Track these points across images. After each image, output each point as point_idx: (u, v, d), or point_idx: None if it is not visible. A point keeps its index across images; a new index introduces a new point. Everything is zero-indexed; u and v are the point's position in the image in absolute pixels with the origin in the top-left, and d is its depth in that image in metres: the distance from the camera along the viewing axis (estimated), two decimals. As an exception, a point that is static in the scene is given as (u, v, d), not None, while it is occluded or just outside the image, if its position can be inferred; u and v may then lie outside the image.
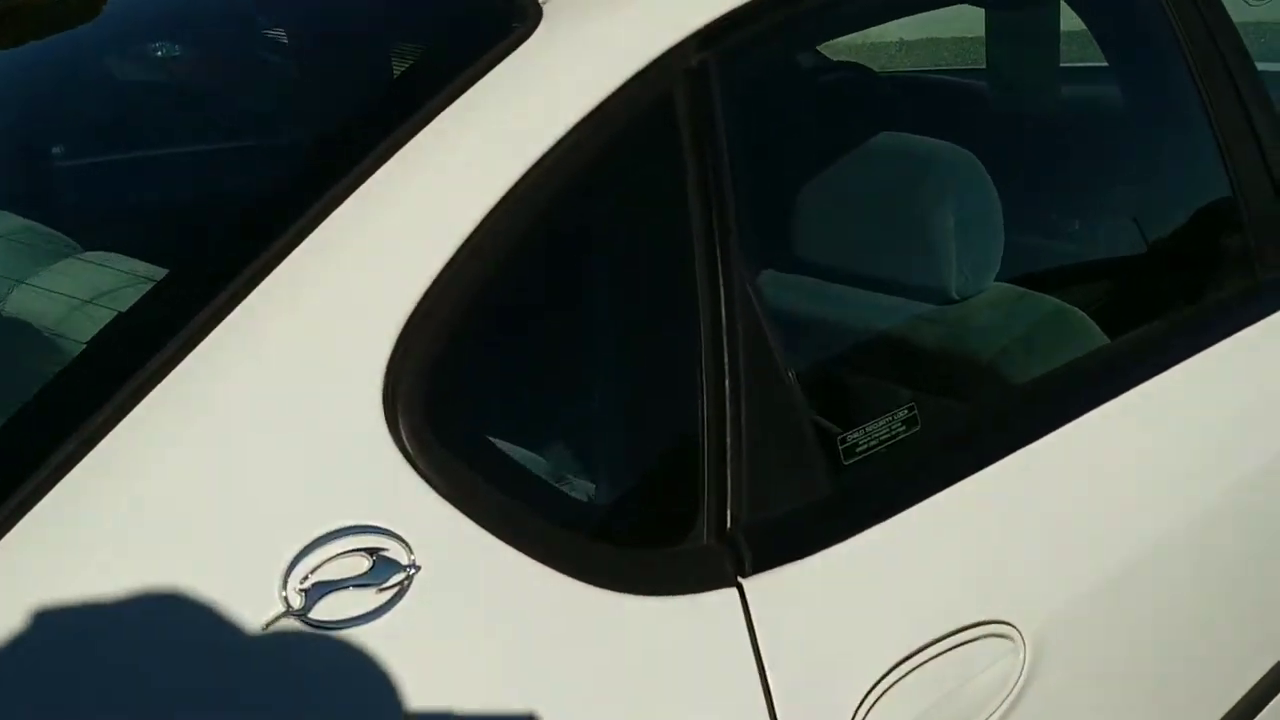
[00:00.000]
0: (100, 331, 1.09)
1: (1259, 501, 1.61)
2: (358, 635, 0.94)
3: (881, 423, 1.31)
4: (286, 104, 1.43)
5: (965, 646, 1.25)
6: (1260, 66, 3.12)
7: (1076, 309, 1.91)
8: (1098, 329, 1.87)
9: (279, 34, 1.46)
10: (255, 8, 1.52)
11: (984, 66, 2.79)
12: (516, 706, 0.99)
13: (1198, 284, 1.82)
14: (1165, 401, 1.58)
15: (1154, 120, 1.91)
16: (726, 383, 1.17)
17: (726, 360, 1.18)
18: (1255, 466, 1.61)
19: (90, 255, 1.44)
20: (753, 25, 1.30)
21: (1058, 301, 1.94)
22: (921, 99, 2.70)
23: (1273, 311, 1.73)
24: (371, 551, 0.95)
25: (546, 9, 1.25)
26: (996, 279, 1.95)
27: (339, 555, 0.94)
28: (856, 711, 1.16)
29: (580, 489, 1.18)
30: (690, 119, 1.22)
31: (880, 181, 1.93)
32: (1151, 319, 1.81)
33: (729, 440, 1.16)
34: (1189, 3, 1.73)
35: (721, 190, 1.21)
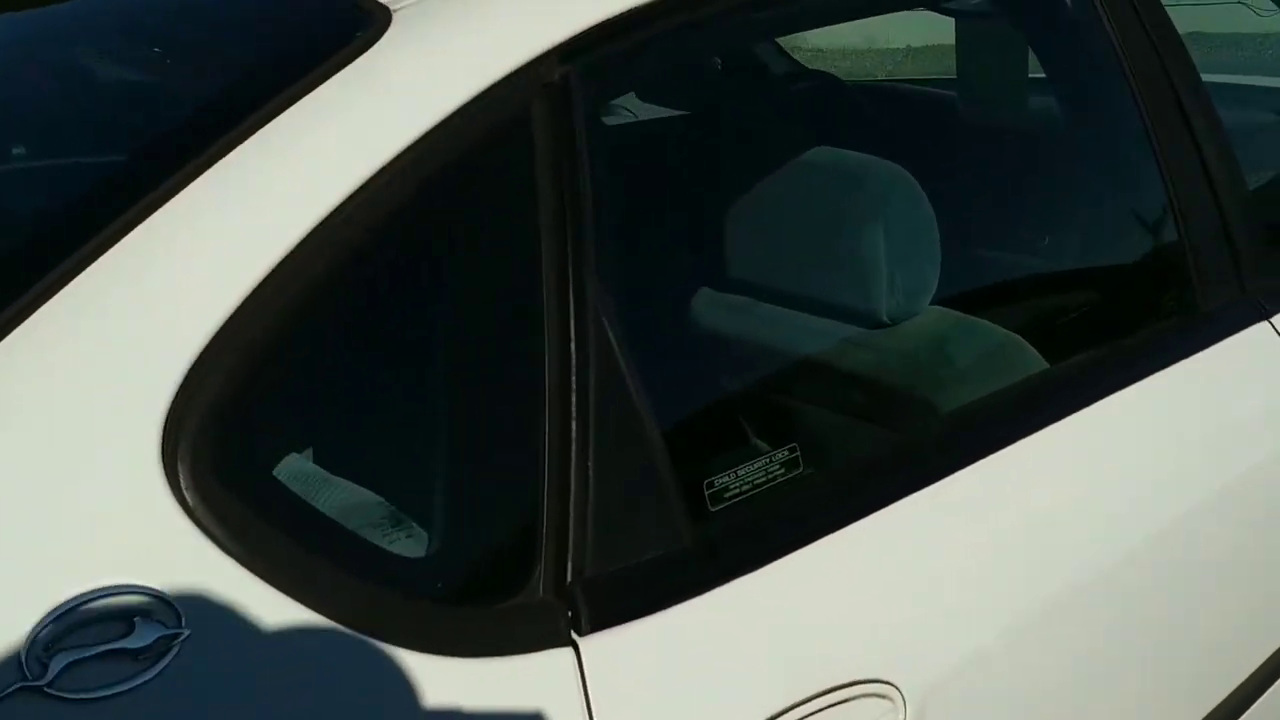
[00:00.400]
0: None
1: (1184, 551, 1.50)
2: (108, 709, 0.85)
3: (757, 465, 1.22)
4: (104, 115, 1.34)
5: (838, 707, 1.16)
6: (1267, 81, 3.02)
7: (1016, 336, 1.81)
8: (1036, 356, 1.77)
9: (107, 43, 1.37)
10: (86, 13, 1.43)
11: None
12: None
13: (1138, 314, 1.72)
14: (1091, 438, 1.49)
15: (1098, 145, 1.81)
16: (574, 422, 1.08)
17: (575, 397, 1.09)
18: (1180, 511, 1.51)
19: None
20: (625, 38, 1.21)
21: (997, 329, 1.84)
22: (868, 110, 2.60)
23: (1213, 343, 1.63)
24: (131, 613, 0.86)
25: (397, 16, 1.17)
26: (934, 301, 1.86)
27: (92, 619, 0.85)
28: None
29: (398, 539, 1.09)
30: (548, 137, 1.13)
31: (806, 198, 1.83)
32: (1090, 348, 1.71)
33: (573, 484, 1.07)
34: (1136, 31, 1.62)
35: (579, 213, 1.12)
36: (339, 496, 1.13)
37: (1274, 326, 1.69)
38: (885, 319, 1.80)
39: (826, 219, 1.80)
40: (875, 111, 2.69)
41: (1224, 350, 1.64)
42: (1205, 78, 1.75)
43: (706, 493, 1.17)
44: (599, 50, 1.19)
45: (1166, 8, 1.73)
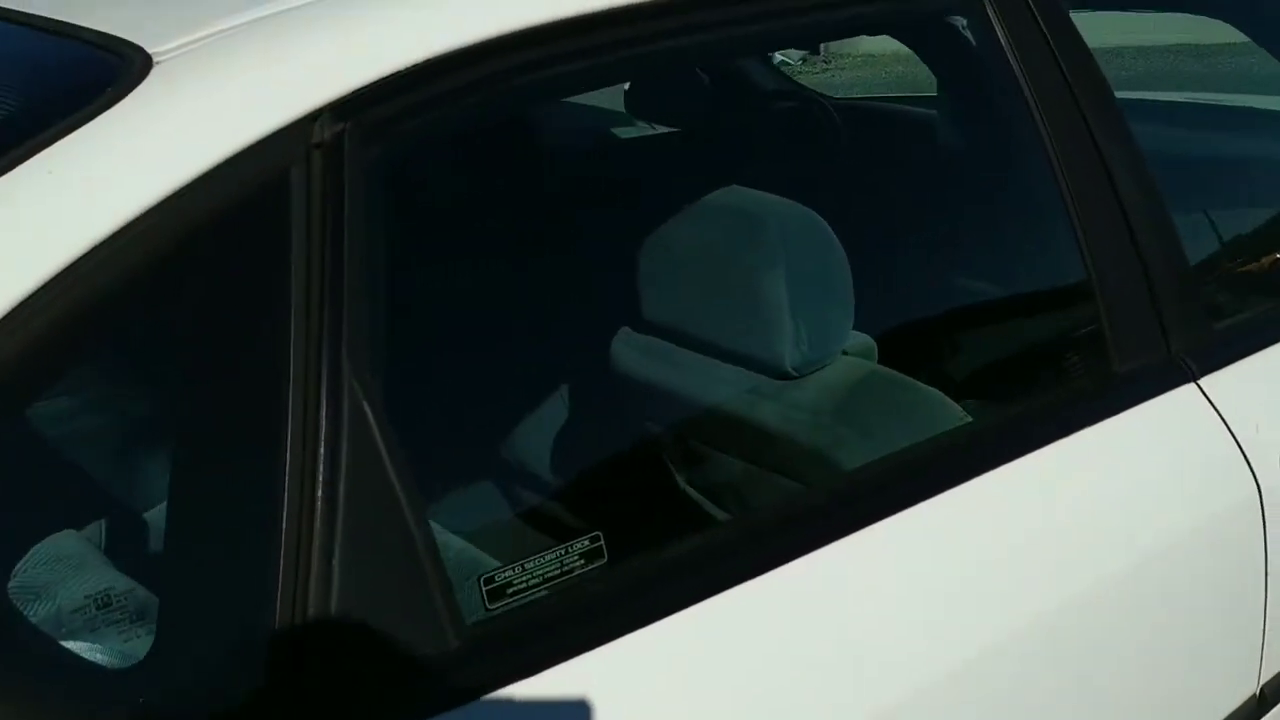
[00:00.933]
0: None
1: (1084, 634, 1.38)
2: None
3: (550, 558, 1.11)
4: None
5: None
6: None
7: (933, 391, 1.70)
8: (953, 414, 1.65)
9: None
10: None
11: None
12: None
13: (1045, 373, 1.60)
14: (986, 508, 1.37)
15: (1002, 186, 1.68)
16: (318, 513, 0.99)
17: (321, 486, 0.99)
18: (1085, 588, 1.38)
19: None
20: (417, 93, 1.11)
21: (912, 384, 1.72)
22: (831, 133, 2.48)
23: (1124, 408, 1.50)
24: None
25: (159, 67, 1.08)
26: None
27: None
28: None
29: (135, 636, 1.00)
30: (310, 204, 1.04)
31: (703, 240, 1.73)
32: (998, 409, 1.59)
33: (313, 580, 0.98)
34: (1045, 58, 1.49)
35: (338, 286, 1.02)
36: (84, 584, 1.05)
37: (1202, 390, 1.56)
38: (790, 371, 1.70)
39: (723, 264, 1.70)
40: (836, 136, 2.57)
41: (1142, 414, 1.51)
42: (1159, 97, 1.62)
43: (484, 589, 1.07)
44: (383, 107, 1.09)
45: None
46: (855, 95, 3.70)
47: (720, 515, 1.77)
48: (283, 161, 1.03)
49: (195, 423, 1.02)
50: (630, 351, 1.91)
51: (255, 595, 0.98)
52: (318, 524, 0.98)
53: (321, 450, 0.99)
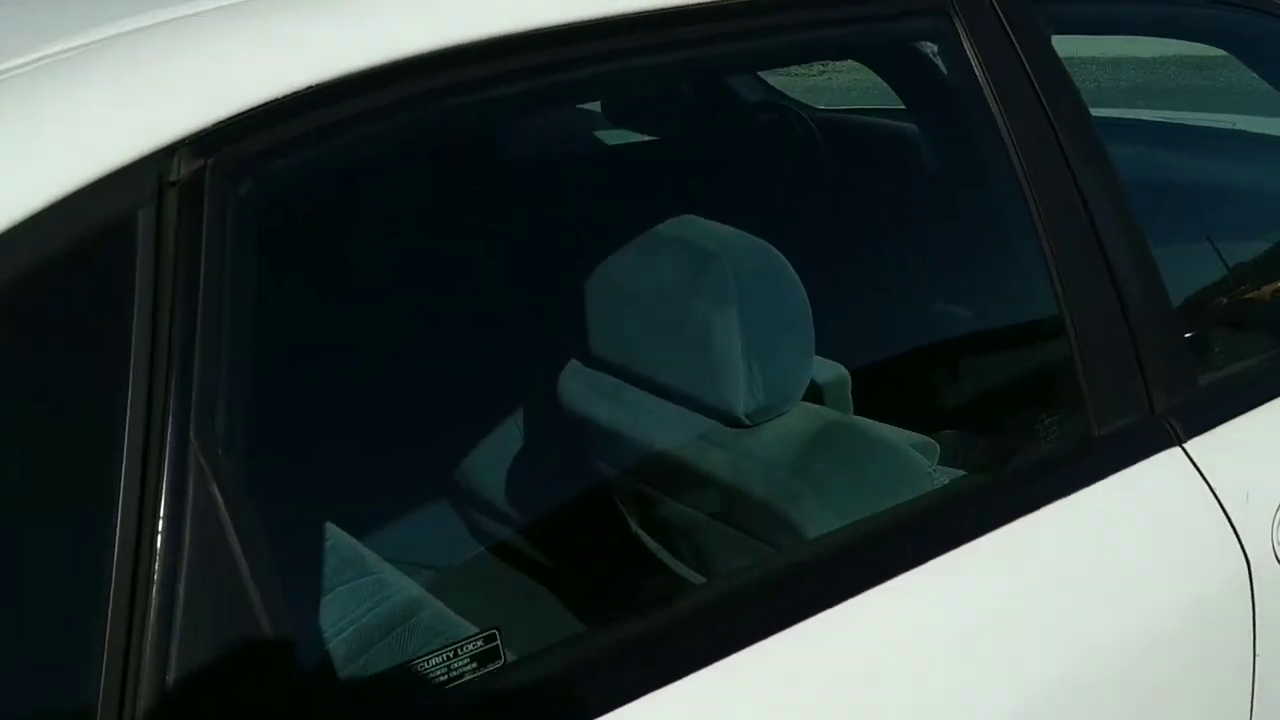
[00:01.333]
0: None
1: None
2: None
3: (436, 661, 0.97)
4: None
5: None
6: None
7: (897, 443, 1.56)
8: (918, 465, 1.52)
9: None
10: None
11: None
12: None
13: (1015, 435, 1.46)
14: (933, 596, 1.23)
15: (977, 226, 1.54)
16: (152, 612, 0.85)
17: (156, 587, 0.85)
18: (1039, 682, 1.25)
19: None
20: (295, 124, 0.97)
21: (875, 432, 1.59)
22: (807, 147, 2.34)
23: (1103, 476, 1.36)
24: None
25: (-11, 94, 0.94)
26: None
27: None
28: None
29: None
30: (161, 252, 0.90)
31: (653, 277, 1.60)
32: (960, 472, 1.45)
33: (143, 692, 0.84)
34: (1022, 88, 1.36)
35: (188, 355, 0.89)
36: None
37: (1187, 454, 1.42)
38: (742, 419, 1.56)
39: (674, 302, 1.57)
40: (815, 150, 2.43)
41: (1122, 481, 1.38)
42: (1149, 116, 1.49)
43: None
44: (253, 140, 0.95)
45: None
46: (850, 101, 3.56)
47: (671, 563, 1.65)
48: (128, 202, 0.89)
49: (12, 508, 0.88)
50: (578, 387, 1.79)
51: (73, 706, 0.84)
52: (150, 631, 0.84)
53: (159, 544, 0.85)
